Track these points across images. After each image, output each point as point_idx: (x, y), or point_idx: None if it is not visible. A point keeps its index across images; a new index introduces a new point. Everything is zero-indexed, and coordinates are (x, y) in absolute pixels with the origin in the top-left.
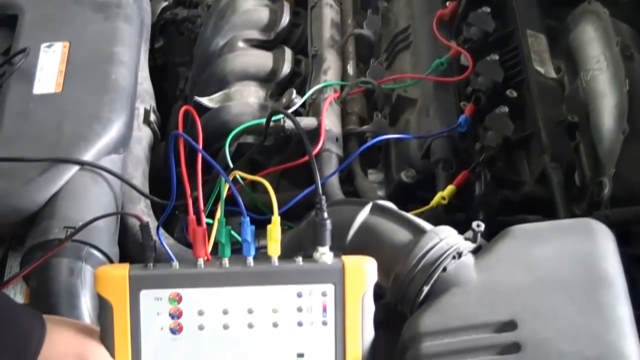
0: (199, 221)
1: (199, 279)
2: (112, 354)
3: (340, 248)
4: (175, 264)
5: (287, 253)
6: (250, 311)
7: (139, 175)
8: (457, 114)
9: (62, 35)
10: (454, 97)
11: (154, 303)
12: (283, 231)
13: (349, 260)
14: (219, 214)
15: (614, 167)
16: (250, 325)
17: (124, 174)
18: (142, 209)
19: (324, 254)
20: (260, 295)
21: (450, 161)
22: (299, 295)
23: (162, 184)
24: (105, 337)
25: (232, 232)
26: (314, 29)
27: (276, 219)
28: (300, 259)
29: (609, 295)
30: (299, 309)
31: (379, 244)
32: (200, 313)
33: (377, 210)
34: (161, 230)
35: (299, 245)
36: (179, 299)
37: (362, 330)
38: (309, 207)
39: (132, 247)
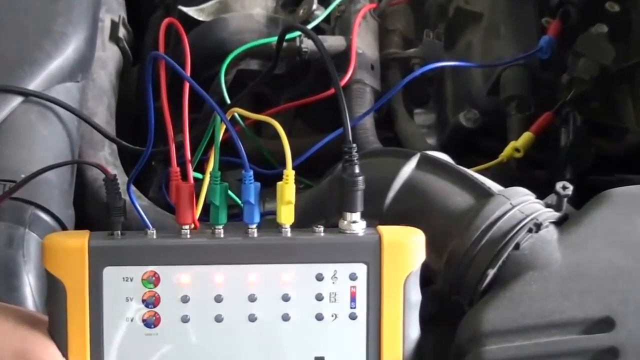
0: (184, 175)
1: (183, 253)
2: (64, 353)
3: (376, 215)
4: (152, 232)
5: (304, 220)
6: (252, 299)
7: (103, 111)
8: (538, 35)
9: None
10: (534, 10)
11: (122, 285)
12: (298, 191)
13: (388, 231)
14: (211, 165)
15: None
16: (252, 318)
17: (83, 108)
18: (106, 157)
19: (354, 223)
20: (266, 277)
21: (527, 99)
22: (319, 278)
23: (134, 123)
24: (55, 329)
25: (229, 192)
26: None
27: (290, 173)
28: (321, 229)
29: None
30: (319, 297)
31: (429, 210)
32: (185, 300)
33: (427, 163)
34: (133, 187)
35: (319, 211)
36: (155, 281)
37: (404, 326)
38: (333, 159)
39: (92, 209)
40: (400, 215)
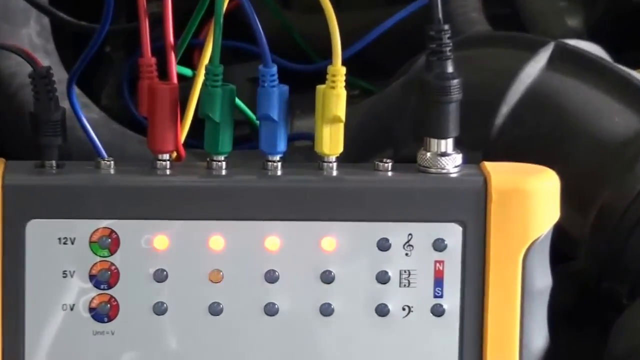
0: (162, 71)
1: (158, 201)
2: None
3: (480, 143)
4: (107, 163)
5: (360, 150)
6: (271, 278)
7: None
8: None
9: None
10: None
11: (58, 250)
12: (351, 101)
13: (499, 171)
14: (207, 55)
15: None
16: (271, 311)
17: None
18: (32, 39)
19: (444, 156)
20: (296, 243)
21: None
22: (384, 246)
23: None
24: None
25: (237, 100)
26: None
27: (338, 71)
28: (388, 164)
29: None
30: (382, 279)
31: (567, 137)
32: (160, 277)
33: (566, 60)
34: (77, 89)
35: (385, 135)
36: (112, 245)
37: (523, 328)
38: (409, 49)
39: (9, 124)
40: (519, 144)
